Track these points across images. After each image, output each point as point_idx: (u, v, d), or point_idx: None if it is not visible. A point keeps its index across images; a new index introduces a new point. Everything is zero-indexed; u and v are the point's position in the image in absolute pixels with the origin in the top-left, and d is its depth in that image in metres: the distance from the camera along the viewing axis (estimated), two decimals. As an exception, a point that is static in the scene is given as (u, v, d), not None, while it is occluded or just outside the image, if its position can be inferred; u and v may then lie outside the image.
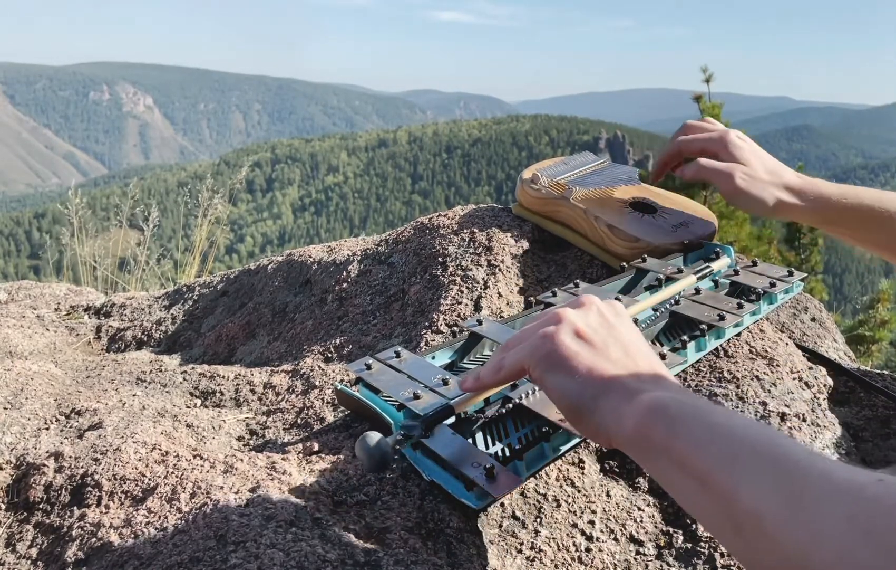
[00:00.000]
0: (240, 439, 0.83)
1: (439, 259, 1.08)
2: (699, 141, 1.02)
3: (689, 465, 0.47)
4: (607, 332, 0.59)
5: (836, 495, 0.40)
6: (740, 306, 0.88)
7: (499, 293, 1.00)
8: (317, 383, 0.90)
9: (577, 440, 0.72)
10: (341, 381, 0.89)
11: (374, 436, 0.60)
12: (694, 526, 0.70)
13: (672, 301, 0.90)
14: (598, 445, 0.77)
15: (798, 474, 0.42)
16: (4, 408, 0.85)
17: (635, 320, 0.85)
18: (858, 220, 0.92)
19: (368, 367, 0.78)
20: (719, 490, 0.45)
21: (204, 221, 3.37)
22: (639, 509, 0.71)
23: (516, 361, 0.61)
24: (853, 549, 0.37)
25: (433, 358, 0.81)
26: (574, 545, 0.67)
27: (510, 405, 0.73)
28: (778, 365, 0.87)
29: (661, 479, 0.51)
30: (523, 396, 0.72)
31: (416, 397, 0.71)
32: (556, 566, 0.65)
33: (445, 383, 0.72)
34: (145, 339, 1.25)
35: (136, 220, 3.50)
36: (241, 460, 0.70)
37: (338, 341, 1.01)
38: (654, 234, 1.04)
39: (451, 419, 0.71)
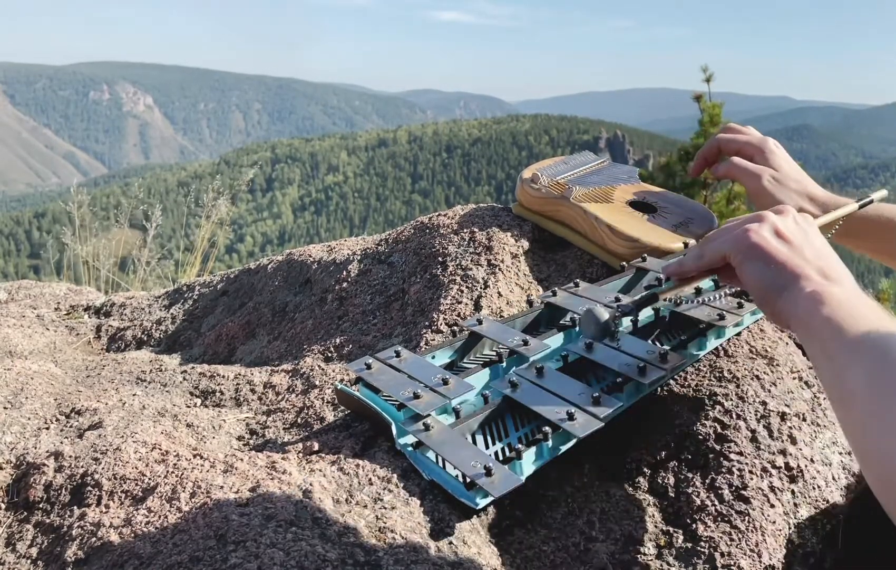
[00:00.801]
0: (240, 438, 0.83)
1: (439, 259, 1.08)
2: (738, 141, 1.07)
3: (827, 348, 0.56)
4: (803, 236, 0.66)
5: None
6: (740, 306, 0.88)
7: (499, 293, 1.00)
8: (317, 383, 0.90)
9: (576, 440, 0.72)
10: (341, 380, 0.89)
11: (599, 310, 0.73)
12: (694, 526, 0.70)
13: (675, 301, 0.90)
14: (596, 438, 0.77)
15: (891, 369, 0.50)
16: (4, 408, 0.85)
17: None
18: (881, 232, 0.97)
19: (368, 366, 0.78)
20: (836, 369, 0.54)
21: (207, 222, 3.36)
22: (638, 508, 0.71)
23: (718, 248, 0.69)
24: None
25: (433, 358, 0.81)
26: (574, 544, 0.67)
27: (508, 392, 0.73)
28: (778, 364, 0.87)
29: (812, 357, 0.60)
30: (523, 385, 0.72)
31: (416, 396, 0.71)
32: (555, 565, 0.65)
33: (445, 382, 0.72)
34: (145, 338, 1.25)
35: (137, 220, 3.50)
36: (242, 459, 0.70)
37: (338, 340, 1.01)
38: (653, 233, 1.04)
39: (450, 416, 0.71)
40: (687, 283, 0.75)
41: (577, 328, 0.83)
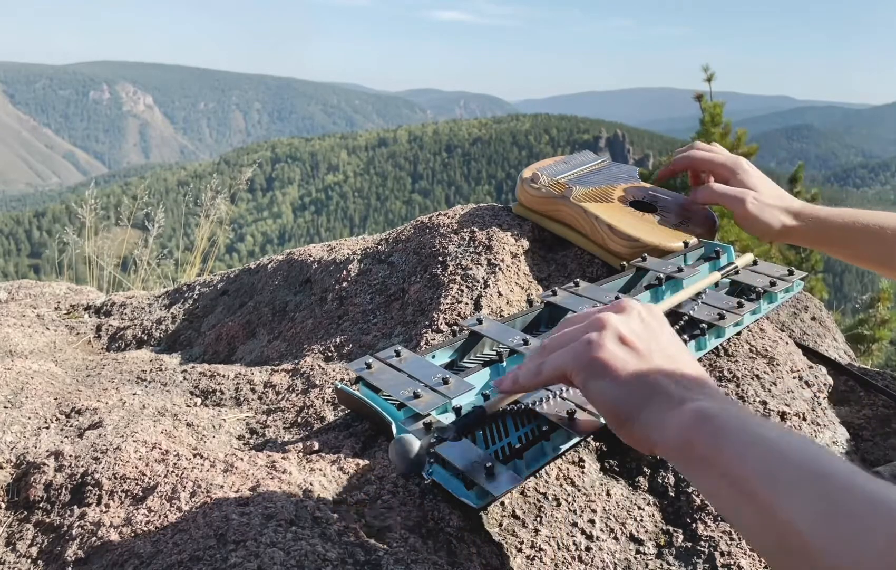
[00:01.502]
0: (240, 438, 0.83)
1: (439, 258, 1.08)
2: (713, 162, 1.09)
3: (732, 476, 0.47)
4: (650, 337, 0.59)
5: (878, 514, 0.40)
6: (740, 305, 0.88)
7: (499, 292, 1.00)
8: (317, 382, 0.90)
9: (577, 439, 0.72)
10: (341, 380, 0.89)
11: (409, 440, 0.62)
12: (694, 525, 0.70)
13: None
14: (598, 443, 0.77)
15: (840, 491, 0.42)
16: (5, 407, 0.85)
17: None
18: (853, 237, 0.97)
19: (368, 366, 0.78)
20: (762, 503, 0.45)
21: (206, 221, 3.37)
22: (639, 508, 0.71)
23: (558, 366, 0.60)
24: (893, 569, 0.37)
25: (433, 357, 0.81)
26: (574, 543, 0.67)
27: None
28: (778, 364, 0.87)
29: (703, 489, 0.52)
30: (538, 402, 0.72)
31: (417, 396, 0.71)
32: (556, 565, 0.65)
33: (446, 382, 0.72)
34: (145, 338, 1.25)
35: (138, 219, 3.50)
36: (242, 459, 0.70)
37: (338, 340, 1.01)
38: (654, 233, 1.04)
39: (450, 414, 0.71)
40: (517, 394, 0.68)
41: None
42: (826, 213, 1.00)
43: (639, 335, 0.59)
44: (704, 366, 0.86)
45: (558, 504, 0.70)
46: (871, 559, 0.39)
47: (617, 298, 0.85)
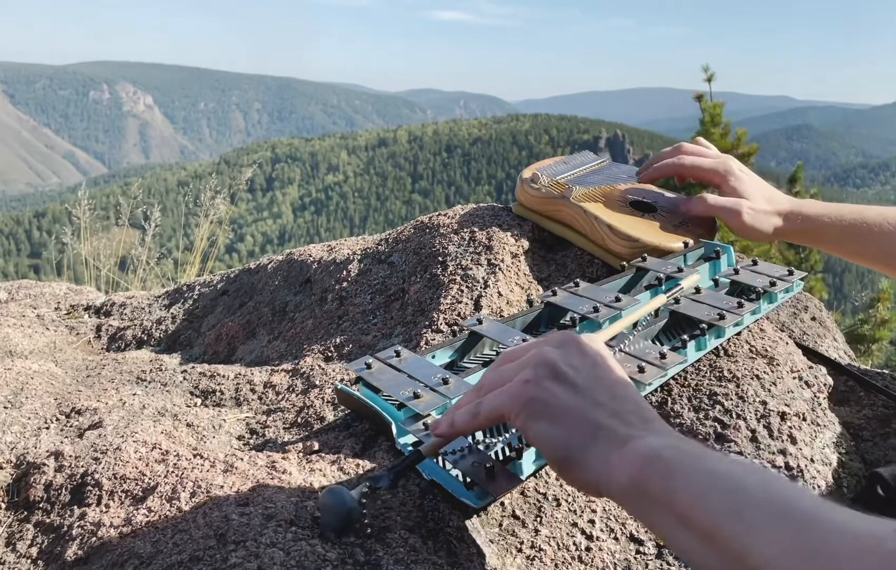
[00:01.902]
0: (240, 438, 0.83)
1: (439, 258, 1.08)
2: (702, 168, 1.07)
3: (691, 519, 0.45)
4: (590, 372, 0.56)
5: (856, 551, 0.38)
6: (740, 305, 0.88)
7: (499, 292, 1.00)
8: (317, 383, 0.90)
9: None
10: (341, 380, 0.89)
11: (339, 492, 0.56)
12: (694, 525, 0.70)
13: (672, 300, 0.90)
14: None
15: (812, 527, 0.40)
16: (4, 407, 0.85)
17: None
18: (840, 234, 0.98)
19: (368, 366, 0.78)
20: (727, 547, 0.42)
21: (205, 221, 3.37)
22: (639, 508, 0.72)
23: (495, 407, 0.57)
24: None
25: (433, 357, 0.81)
26: (574, 544, 0.67)
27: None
28: (778, 364, 0.87)
29: (659, 532, 0.49)
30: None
31: (417, 396, 0.71)
32: (556, 565, 0.65)
33: (446, 382, 0.72)
34: (145, 338, 1.25)
35: (137, 219, 3.50)
36: (242, 459, 0.70)
37: (338, 340, 1.01)
38: (654, 233, 1.04)
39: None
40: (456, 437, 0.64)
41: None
42: (814, 211, 1.00)
43: (578, 369, 0.56)
44: (704, 366, 0.86)
45: (558, 504, 0.70)
46: None
47: (617, 299, 0.85)
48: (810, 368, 0.89)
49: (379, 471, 0.64)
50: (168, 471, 0.68)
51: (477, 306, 0.98)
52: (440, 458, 0.67)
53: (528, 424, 0.55)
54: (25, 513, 0.68)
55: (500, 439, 0.73)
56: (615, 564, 0.66)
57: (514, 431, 0.73)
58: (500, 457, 0.70)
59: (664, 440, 0.50)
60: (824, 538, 0.39)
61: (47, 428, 0.82)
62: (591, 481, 0.52)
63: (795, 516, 0.41)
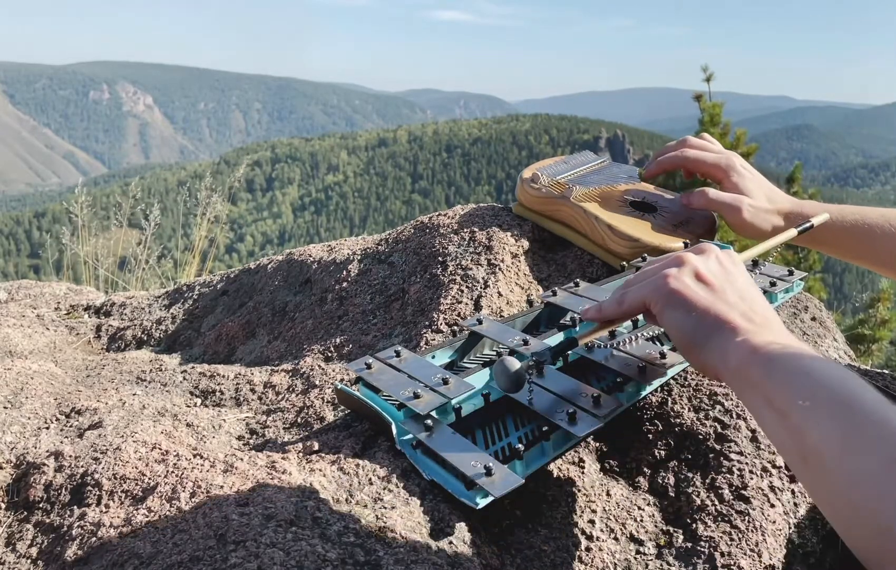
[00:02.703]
0: (240, 438, 0.83)
1: (439, 258, 1.08)
2: (705, 163, 1.06)
3: (774, 401, 0.52)
4: (725, 277, 0.63)
5: (886, 438, 0.44)
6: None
7: (499, 292, 1.00)
8: (317, 383, 0.90)
9: (576, 440, 0.72)
10: (341, 380, 0.89)
11: (512, 362, 0.67)
12: (694, 525, 0.70)
13: None
14: (598, 444, 0.77)
15: (860, 417, 0.47)
16: (4, 407, 0.85)
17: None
18: (840, 235, 0.98)
19: (368, 366, 0.78)
20: (794, 426, 0.50)
21: (203, 220, 3.37)
22: (639, 508, 0.71)
23: (638, 296, 0.66)
24: (893, 488, 0.42)
25: (433, 357, 0.81)
26: (574, 543, 0.67)
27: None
28: (778, 364, 0.87)
29: (753, 411, 0.56)
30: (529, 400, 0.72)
31: (416, 396, 0.71)
32: (556, 565, 0.65)
33: (446, 382, 0.72)
34: (145, 338, 1.25)
35: (137, 219, 3.50)
36: (242, 459, 0.70)
37: (338, 340, 1.01)
38: (654, 233, 1.04)
39: (451, 415, 0.71)
40: (606, 328, 0.73)
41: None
42: (814, 213, 0.98)
43: (715, 274, 0.63)
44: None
45: (558, 505, 0.70)
46: (874, 477, 0.43)
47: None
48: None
49: (542, 349, 0.72)
50: (168, 471, 0.68)
51: (477, 306, 0.98)
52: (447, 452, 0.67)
53: (666, 311, 0.63)
54: (25, 513, 0.68)
55: (501, 441, 0.73)
56: (615, 564, 0.66)
57: (514, 432, 0.73)
58: (501, 457, 0.70)
59: (773, 337, 0.57)
60: (866, 425, 0.46)
61: (47, 428, 0.82)
62: (710, 364, 0.60)
63: (851, 407, 0.48)
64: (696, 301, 0.61)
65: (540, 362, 0.70)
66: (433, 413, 0.70)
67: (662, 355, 0.76)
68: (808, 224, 0.93)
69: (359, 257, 1.16)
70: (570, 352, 0.73)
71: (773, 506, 0.71)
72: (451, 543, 0.63)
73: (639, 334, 0.82)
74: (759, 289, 0.65)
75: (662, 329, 0.68)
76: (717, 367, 0.59)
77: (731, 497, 0.71)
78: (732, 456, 0.74)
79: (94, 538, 0.62)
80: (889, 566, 0.43)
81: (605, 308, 0.70)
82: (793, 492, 0.74)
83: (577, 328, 0.74)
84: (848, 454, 0.46)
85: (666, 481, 0.74)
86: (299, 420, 0.84)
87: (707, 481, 0.73)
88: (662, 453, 0.77)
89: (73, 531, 0.63)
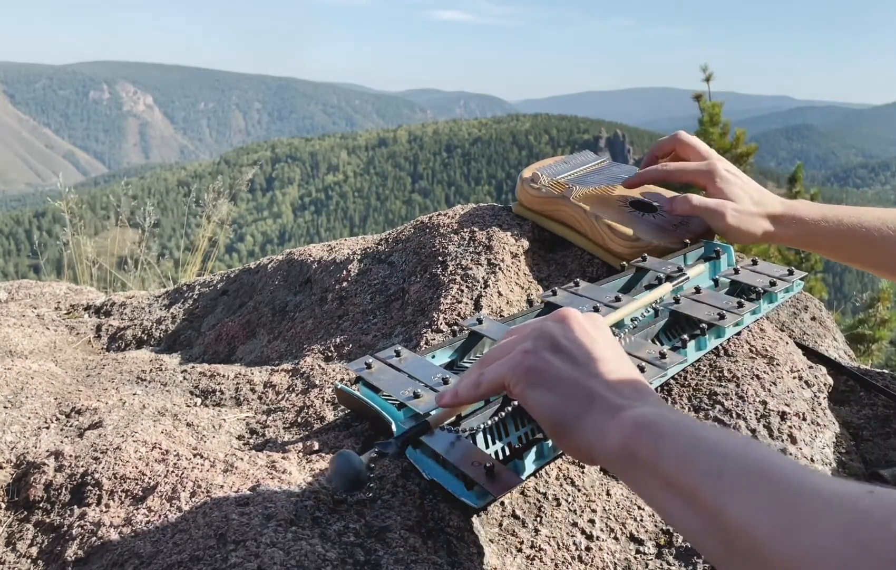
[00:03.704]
0: (240, 438, 0.83)
1: (439, 258, 1.08)
2: (688, 172, 1.05)
3: (675, 481, 0.47)
4: (589, 345, 0.58)
5: (830, 508, 0.39)
6: (740, 305, 0.88)
7: (499, 292, 1.00)
8: (317, 382, 0.90)
9: None
10: (341, 380, 0.89)
11: (349, 455, 0.58)
12: (694, 525, 0.70)
13: (672, 300, 0.90)
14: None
15: (788, 488, 0.42)
16: (5, 407, 0.85)
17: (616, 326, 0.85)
18: (837, 239, 0.96)
19: (368, 366, 0.78)
20: (707, 506, 0.44)
21: (208, 222, 3.37)
22: (639, 508, 0.71)
23: (496, 376, 0.60)
24: (850, 563, 0.37)
25: (433, 357, 0.81)
26: (574, 543, 0.67)
27: (509, 409, 0.73)
28: (778, 364, 0.87)
29: (645, 496, 0.51)
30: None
31: (416, 396, 0.71)
32: (556, 564, 0.65)
33: (445, 382, 0.72)
34: (145, 338, 1.25)
35: (136, 218, 3.50)
36: (242, 459, 0.70)
37: (338, 340, 1.01)
38: (654, 233, 1.04)
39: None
40: (462, 409, 0.68)
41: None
42: (809, 214, 0.97)
43: (576, 343, 0.58)
44: (704, 366, 0.86)
45: (558, 504, 0.70)
46: (827, 553, 0.38)
47: (617, 299, 0.85)
48: (810, 368, 0.89)
49: (388, 439, 0.66)
50: (168, 471, 0.68)
51: (477, 306, 0.98)
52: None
53: (527, 392, 0.57)
54: (25, 513, 0.68)
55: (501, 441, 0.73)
56: (615, 564, 0.66)
57: (514, 432, 0.73)
58: (501, 457, 0.70)
59: (655, 409, 0.52)
60: (799, 496, 0.41)
61: (47, 428, 0.82)
62: (584, 446, 0.54)
63: (771, 476, 0.43)
64: (558, 378, 0.56)
65: (382, 454, 0.63)
66: (433, 413, 0.70)
67: (662, 356, 0.76)
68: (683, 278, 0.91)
69: (359, 257, 1.16)
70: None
71: (772, 506, 0.71)
72: (450, 543, 0.63)
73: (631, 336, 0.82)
74: (626, 354, 0.60)
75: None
76: (594, 449, 0.53)
77: (731, 497, 0.71)
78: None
79: (94, 538, 0.62)
80: None
81: (461, 393, 0.63)
82: (793, 492, 0.74)
83: (432, 412, 0.68)
84: (788, 534, 0.40)
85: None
86: (299, 420, 0.84)
87: (707, 480, 0.73)
88: (662, 452, 0.77)
89: (73, 531, 0.63)
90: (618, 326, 0.80)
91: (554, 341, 0.58)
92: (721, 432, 0.49)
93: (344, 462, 0.58)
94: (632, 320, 0.86)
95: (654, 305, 0.88)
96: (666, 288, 0.89)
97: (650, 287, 0.93)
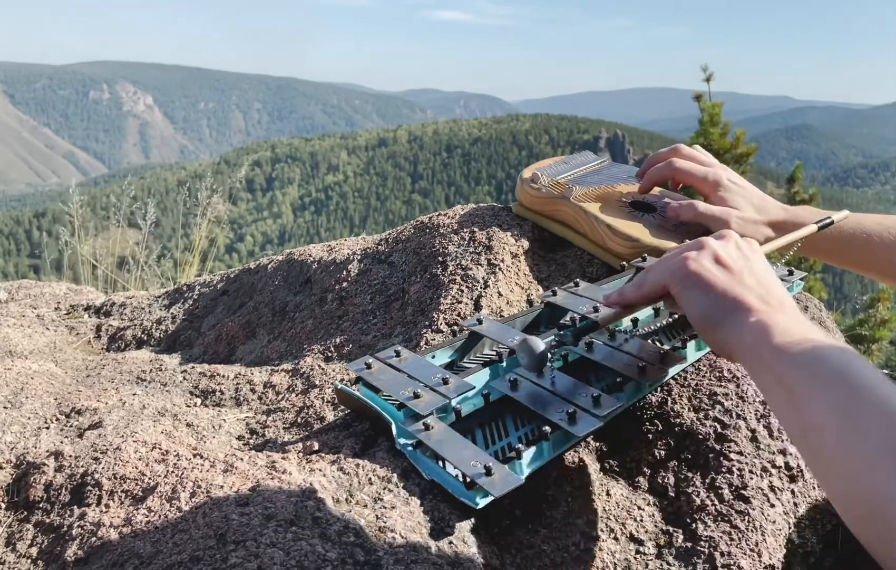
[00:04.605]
0: (240, 438, 0.83)
1: (439, 258, 1.08)
2: (693, 176, 1.07)
3: (782, 379, 0.54)
4: (743, 261, 0.66)
5: (881, 419, 0.46)
6: None
7: (499, 292, 1.00)
8: (317, 383, 0.90)
9: (576, 440, 0.72)
10: (341, 380, 0.89)
11: (536, 342, 0.71)
12: (694, 525, 0.70)
13: None
14: (598, 444, 0.77)
15: (861, 396, 0.48)
16: (5, 407, 0.85)
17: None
18: (838, 244, 0.98)
19: (368, 366, 0.78)
20: (798, 402, 0.52)
21: (203, 220, 3.37)
22: (639, 508, 0.71)
23: (659, 279, 0.68)
24: (886, 470, 0.43)
25: (433, 357, 0.81)
26: (574, 543, 0.67)
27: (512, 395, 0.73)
28: (778, 364, 0.87)
29: (763, 389, 0.58)
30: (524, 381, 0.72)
31: (416, 396, 0.71)
32: (555, 564, 0.65)
33: (445, 382, 0.72)
34: (145, 338, 1.25)
35: (136, 219, 3.50)
36: (241, 459, 0.70)
37: (338, 340, 1.01)
38: (654, 233, 1.04)
39: (450, 415, 0.71)
40: (628, 312, 0.75)
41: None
42: (809, 219, 0.97)
43: (733, 258, 0.66)
44: (704, 366, 0.86)
45: (558, 504, 0.70)
46: (860, 456, 0.45)
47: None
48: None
49: (565, 332, 0.76)
50: (168, 471, 0.68)
51: (477, 306, 0.98)
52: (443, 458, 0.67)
53: (685, 292, 0.66)
54: (25, 513, 0.68)
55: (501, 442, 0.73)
56: (615, 564, 0.66)
57: (514, 431, 0.73)
58: (501, 457, 0.70)
59: (787, 319, 0.59)
60: (866, 405, 0.47)
61: (47, 428, 0.82)
62: (725, 342, 0.62)
63: (853, 385, 0.49)
64: (714, 283, 0.64)
65: (562, 343, 0.73)
66: (601, 313, 0.72)
67: (662, 357, 0.76)
68: (828, 220, 0.93)
69: (359, 257, 1.16)
70: (572, 349, 0.76)
71: (772, 506, 0.71)
72: (451, 543, 0.63)
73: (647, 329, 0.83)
74: (776, 275, 0.67)
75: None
76: (732, 345, 0.61)
77: (731, 497, 0.71)
78: (732, 456, 0.75)
79: (94, 538, 0.62)
80: (880, 545, 0.44)
81: (626, 292, 0.72)
82: (793, 492, 0.74)
83: (599, 313, 0.76)
84: (844, 434, 0.47)
85: (666, 480, 0.74)
86: (299, 420, 0.84)
87: (707, 480, 0.73)
88: (662, 452, 0.77)
89: (73, 531, 0.63)
90: (618, 326, 0.81)
91: (714, 252, 0.66)
92: (833, 346, 0.55)
93: (533, 344, 0.71)
94: (632, 319, 0.86)
95: (653, 305, 0.88)
96: (811, 228, 0.91)
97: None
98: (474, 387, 0.75)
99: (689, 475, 0.74)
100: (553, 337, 0.73)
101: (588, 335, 0.76)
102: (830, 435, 0.48)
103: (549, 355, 0.72)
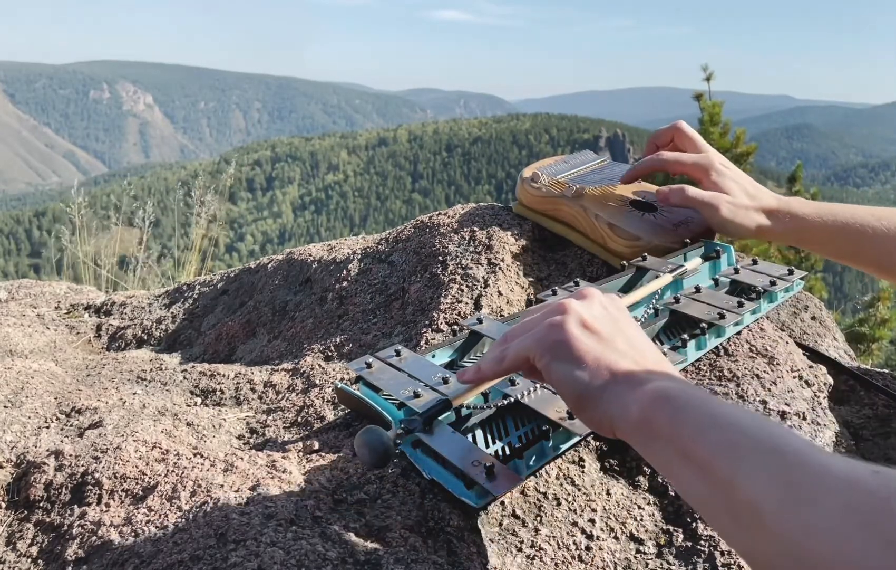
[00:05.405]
0: (240, 437, 0.83)
1: (439, 258, 1.08)
2: (683, 164, 1.04)
3: (690, 453, 0.48)
4: (612, 324, 0.60)
5: (834, 486, 0.40)
6: (740, 305, 0.88)
7: (499, 292, 1.00)
8: (317, 382, 0.90)
9: (577, 439, 0.72)
10: (342, 379, 0.89)
11: (375, 431, 0.59)
12: (694, 524, 0.70)
13: (672, 299, 0.90)
14: (598, 443, 0.77)
15: (796, 465, 0.43)
16: (5, 407, 0.85)
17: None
18: (831, 234, 0.94)
19: (369, 365, 0.78)
20: (718, 478, 0.45)
21: (202, 219, 3.37)
22: (639, 507, 0.71)
23: (520, 351, 0.61)
24: (850, 541, 0.38)
25: (433, 357, 0.81)
26: (574, 543, 0.67)
27: (507, 402, 0.73)
28: (778, 364, 0.87)
29: (662, 467, 0.52)
30: (525, 394, 0.72)
31: (417, 395, 0.71)
32: (556, 564, 0.65)
33: (445, 381, 0.72)
34: (145, 337, 1.25)
35: (136, 218, 3.50)
36: (242, 458, 0.70)
37: (338, 339, 1.01)
38: (654, 232, 1.04)
39: (450, 415, 0.71)
40: (484, 387, 0.69)
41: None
42: (804, 210, 0.96)
43: (601, 321, 0.59)
44: (704, 365, 0.86)
45: (558, 504, 0.70)
46: (828, 531, 0.39)
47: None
48: (810, 367, 0.89)
49: (412, 415, 0.67)
50: (168, 470, 0.68)
51: (477, 306, 0.98)
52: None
53: (552, 365, 0.58)
54: (25, 512, 0.68)
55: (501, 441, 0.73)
56: (615, 563, 0.66)
57: (514, 431, 0.73)
58: (501, 456, 0.70)
59: (675, 384, 0.53)
60: (805, 474, 0.42)
61: (47, 427, 0.82)
62: (606, 418, 0.55)
63: (783, 455, 0.44)
64: (584, 352, 0.57)
65: (409, 430, 0.65)
66: (454, 391, 0.71)
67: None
68: (682, 268, 0.91)
69: (359, 257, 1.16)
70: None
71: (773, 505, 0.71)
72: (450, 543, 0.63)
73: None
74: (647, 336, 0.62)
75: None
76: (615, 421, 0.54)
77: (731, 497, 0.71)
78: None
79: (94, 538, 0.62)
80: None
81: (485, 369, 0.64)
82: (793, 491, 0.74)
83: (450, 387, 0.69)
84: (791, 508, 0.41)
85: (666, 480, 0.74)
86: (299, 420, 0.84)
87: (707, 480, 0.73)
88: (662, 452, 0.77)
89: (73, 531, 0.63)
90: None
91: (580, 317, 0.59)
92: (738, 409, 0.50)
93: (373, 437, 0.59)
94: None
95: (654, 304, 0.88)
96: (666, 279, 0.89)
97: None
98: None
99: (690, 474, 0.74)
100: (399, 426, 0.64)
101: (439, 417, 0.67)
102: (770, 510, 0.42)
103: (397, 443, 0.63)
